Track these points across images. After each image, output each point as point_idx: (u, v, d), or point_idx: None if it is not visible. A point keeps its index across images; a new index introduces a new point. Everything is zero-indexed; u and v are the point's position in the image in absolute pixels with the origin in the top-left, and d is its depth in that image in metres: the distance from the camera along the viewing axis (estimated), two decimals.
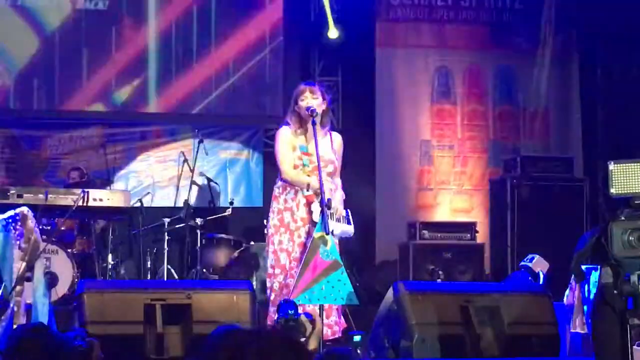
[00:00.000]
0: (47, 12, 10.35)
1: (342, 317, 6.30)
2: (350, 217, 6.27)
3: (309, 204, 6.18)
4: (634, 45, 10.48)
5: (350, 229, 6.24)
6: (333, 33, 10.55)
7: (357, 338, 5.55)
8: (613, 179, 4.75)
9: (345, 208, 6.29)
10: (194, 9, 10.64)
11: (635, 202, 4.74)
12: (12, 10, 10.29)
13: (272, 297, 6.21)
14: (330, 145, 6.39)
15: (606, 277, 4.80)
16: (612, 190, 4.77)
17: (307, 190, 6.17)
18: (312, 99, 6.27)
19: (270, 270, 6.27)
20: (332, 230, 5.87)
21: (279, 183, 6.34)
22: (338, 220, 6.16)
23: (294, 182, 6.26)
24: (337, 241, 5.96)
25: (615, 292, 4.72)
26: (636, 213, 4.73)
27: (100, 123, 10.60)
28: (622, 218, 4.74)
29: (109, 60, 10.44)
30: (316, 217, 6.08)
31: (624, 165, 4.75)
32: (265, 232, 6.66)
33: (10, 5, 10.29)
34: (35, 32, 10.32)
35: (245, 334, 2.37)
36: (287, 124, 6.40)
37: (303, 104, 6.28)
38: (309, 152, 6.27)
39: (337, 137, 6.51)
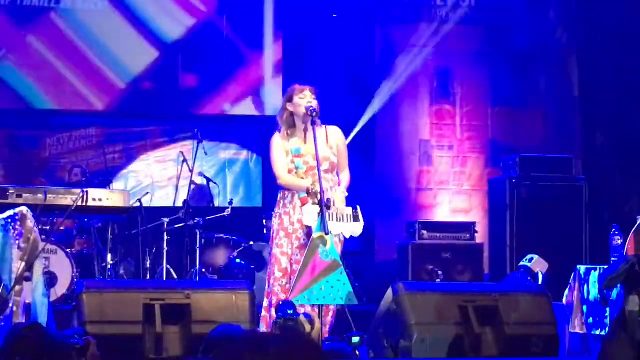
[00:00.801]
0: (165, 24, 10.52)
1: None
2: (360, 214, 6.24)
3: (302, 206, 6.18)
4: (633, 44, 10.48)
5: (356, 227, 6.20)
6: None
7: (355, 339, 5.54)
8: None
9: (353, 205, 6.26)
10: None
11: None
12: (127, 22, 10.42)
13: (269, 300, 6.20)
14: (326, 141, 6.35)
15: (632, 305, 4.79)
16: None
17: (306, 193, 6.17)
18: (312, 99, 6.26)
19: (273, 274, 6.25)
20: (331, 230, 5.87)
21: (281, 188, 6.38)
22: (339, 219, 6.13)
23: (290, 186, 6.27)
24: (337, 240, 5.95)
25: (638, 321, 4.71)
26: None
27: (99, 123, 10.61)
28: None
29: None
30: (306, 220, 6.08)
31: None
32: (265, 232, 6.67)
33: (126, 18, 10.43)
34: (151, 43, 10.47)
35: (266, 335, 2.37)
36: (278, 126, 6.40)
37: (302, 102, 6.25)
38: (302, 153, 6.26)
39: (336, 131, 6.45)
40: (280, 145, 6.33)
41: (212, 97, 10.75)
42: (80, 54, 10.39)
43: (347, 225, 6.15)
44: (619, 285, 5.55)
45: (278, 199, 6.38)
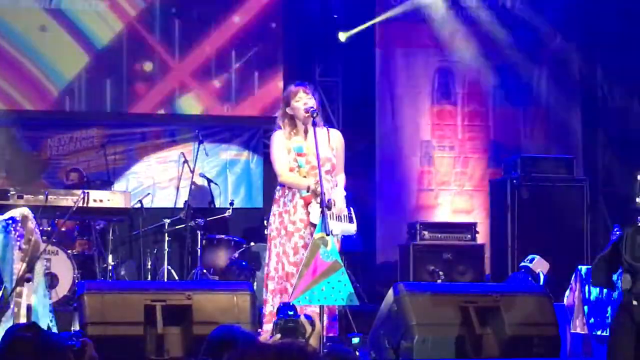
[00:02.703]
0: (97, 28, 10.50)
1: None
2: (353, 216, 6.23)
3: (306, 205, 6.15)
4: (634, 45, 10.48)
5: (351, 228, 6.20)
6: (342, 36, 10.64)
7: (355, 340, 5.54)
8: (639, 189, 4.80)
9: (347, 207, 6.25)
10: None
11: None
12: (61, 27, 10.39)
13: (268, 299, 6.18)
14: (327, 142, 6.33)
15: (625, 284, 4.82)
16: (638, 200, 4.80)
17: (307, 192, 6.15)
18: (308, 99, 6.22)
19: (272, 273, 6.22)
20: (332, 230, 5.85)
21: (279, 186, 6.33)
22: (339, 219, 6.12)
23: (291, 184, 6.23)
24: (337, 240, 5.94)
25: (634, 301, 4.72)
26: None
27: (100, 124, 10.60)
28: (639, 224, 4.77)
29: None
30: (314, 218, 6.04)
31: None
32: (266, 232, 6.64)
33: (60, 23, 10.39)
34: (84, 48, 10.44)
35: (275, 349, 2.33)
36: (279, 128, 6.36)
37: (299, 104, 6.23)
38: (304, 152, 6.24)
39: (336, 134, 6.43)
40: (281, 143, 6.28)
41: (213, 98, 10.76)
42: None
43: (344, 225, 6.14)
44: (619, 283, 5.56)
45: (276, 197, 6.31)
